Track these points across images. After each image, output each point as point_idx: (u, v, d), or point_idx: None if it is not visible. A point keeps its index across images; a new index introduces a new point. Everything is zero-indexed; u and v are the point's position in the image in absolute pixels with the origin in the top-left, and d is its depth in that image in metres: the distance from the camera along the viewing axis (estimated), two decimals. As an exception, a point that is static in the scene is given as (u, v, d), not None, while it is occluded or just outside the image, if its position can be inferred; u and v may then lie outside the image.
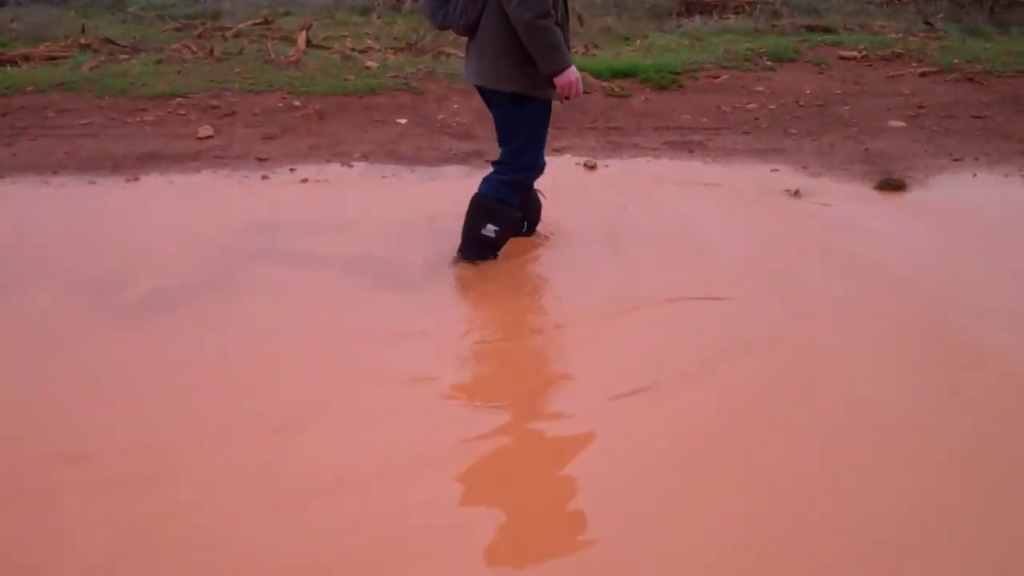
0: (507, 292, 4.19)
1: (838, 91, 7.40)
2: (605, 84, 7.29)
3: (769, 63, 7.96)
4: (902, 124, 6.77)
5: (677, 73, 7.54)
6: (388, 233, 4.81)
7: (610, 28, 9.26)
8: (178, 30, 10.22)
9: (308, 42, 8.75)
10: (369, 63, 7.83)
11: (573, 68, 4.05)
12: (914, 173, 5.82)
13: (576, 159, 6.06)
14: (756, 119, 6.83)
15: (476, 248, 4.40)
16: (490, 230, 4.34)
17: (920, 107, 7.08)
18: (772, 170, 5.89)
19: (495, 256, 4.45)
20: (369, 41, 9.27)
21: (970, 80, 7.63)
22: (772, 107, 7.06)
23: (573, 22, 9.69)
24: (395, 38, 9.52)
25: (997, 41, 9.00)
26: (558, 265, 4.49)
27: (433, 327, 3.83)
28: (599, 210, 5.15)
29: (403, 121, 6.62)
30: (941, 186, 5.69)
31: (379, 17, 11.05)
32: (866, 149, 6.26)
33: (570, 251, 4.62)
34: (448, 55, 8.50)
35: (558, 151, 6.17)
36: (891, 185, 5.61)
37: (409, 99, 7.02)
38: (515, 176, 4.36)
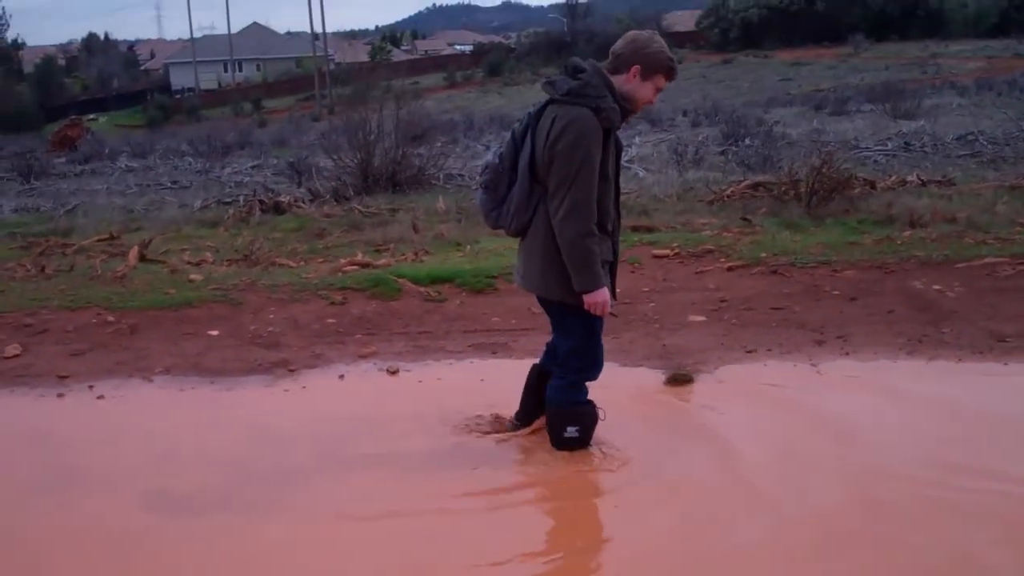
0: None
1: (646, 288, 7.69)
2: (423, 289, 7.51)
3: (586, 264, 8.24)
4: (702, 318, 7.06)
5: (493, 277, 7.77)
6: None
7: (442, 235, 9.58)
8: (24, 248, 10.31)
9: (143, 257, 8.90)
10: (193, 276, 7.98)
11: (603, 290, 4.29)
12: (704, 366, 6.06)
13: (380, 365, 6.19)
14: (563, 319, 7.06)
15: (567, 449, 4.63)
16: (572, 432, 4.60)
17: (722, 301, 7.38)
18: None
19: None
20: (207, 253, 9.45)
21: (774, 272, 7.98)
22: (581, 307, 7.30)
23: (407, 230, 10.10)
24: (235, 250, 9.70)
25: (810, 233, 9.43)
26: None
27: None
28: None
29: (215, 333, 6.72)
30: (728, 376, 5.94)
31: (226, 230, 11.27)
32: (664, 345, 6.51)
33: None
34: (280, 265, 8.70)
35: (364, 357, 6.33)
36: (679, 379, 5.85)
37: (226, 311, 7.13)
38: (574, 377, 4.60)
